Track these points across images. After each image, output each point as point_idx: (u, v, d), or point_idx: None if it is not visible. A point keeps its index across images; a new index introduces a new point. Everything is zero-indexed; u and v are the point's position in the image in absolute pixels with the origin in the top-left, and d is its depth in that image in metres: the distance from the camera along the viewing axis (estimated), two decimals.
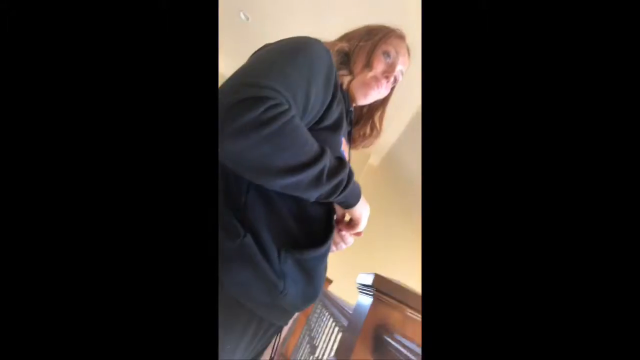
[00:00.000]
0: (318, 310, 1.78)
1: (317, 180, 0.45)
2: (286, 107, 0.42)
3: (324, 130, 0.54)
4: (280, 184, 0.44)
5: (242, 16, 2.96)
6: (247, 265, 0.47)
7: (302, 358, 1.67)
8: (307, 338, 1.76)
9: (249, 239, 0.47)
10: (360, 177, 3.56)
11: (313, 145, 0.46)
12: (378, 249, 3.56)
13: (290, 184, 0.44)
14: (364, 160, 3.69)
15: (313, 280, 0.54)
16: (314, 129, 0.53)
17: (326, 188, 0.47)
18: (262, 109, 0.40)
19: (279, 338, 0.60)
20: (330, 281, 2.10)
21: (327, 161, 0.46)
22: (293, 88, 0.45)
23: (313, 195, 0.47)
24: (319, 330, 1.54)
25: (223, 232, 0.47)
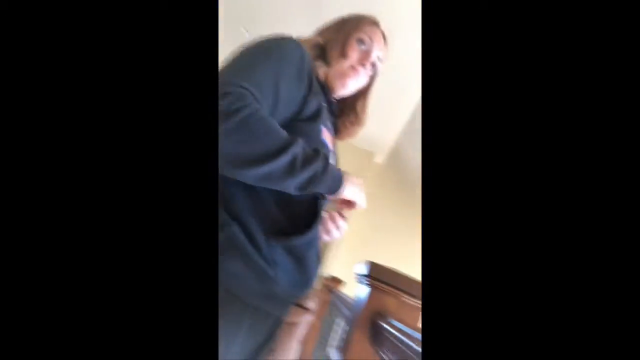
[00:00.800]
0: (330, 312, 1.77)
1: (290, 169, 0.46)
2: (249, 100, 0.44)
3: (303, 121, 0.55)
4: (253, 174, 0.45)
5: (243, 30, 3.11)
6: (235, 254, 0.48)
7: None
8: (322, 340, 1.76)
9: (235, 228, 0.48)
10: (366, 176, 3.55)
11: (282, 135, 0.46)
12: (387, 246, 3.53)
13: (263, 174, 0.44)
14: (369, 159, 3.68)
15: (304, 267, 0.55)
16: (293, 120, 0.54)
17: (302, 176, 0.47)
18: (224, 103, 0.41)
19: (281, 332, 0.60)
20: (340, 282, 2.09)
21: (299, 149, 0.47)
22: (259, 83, 0.47)
23: (290, 185, 0.47)
24: (333, 330, 1.54)
25: None
